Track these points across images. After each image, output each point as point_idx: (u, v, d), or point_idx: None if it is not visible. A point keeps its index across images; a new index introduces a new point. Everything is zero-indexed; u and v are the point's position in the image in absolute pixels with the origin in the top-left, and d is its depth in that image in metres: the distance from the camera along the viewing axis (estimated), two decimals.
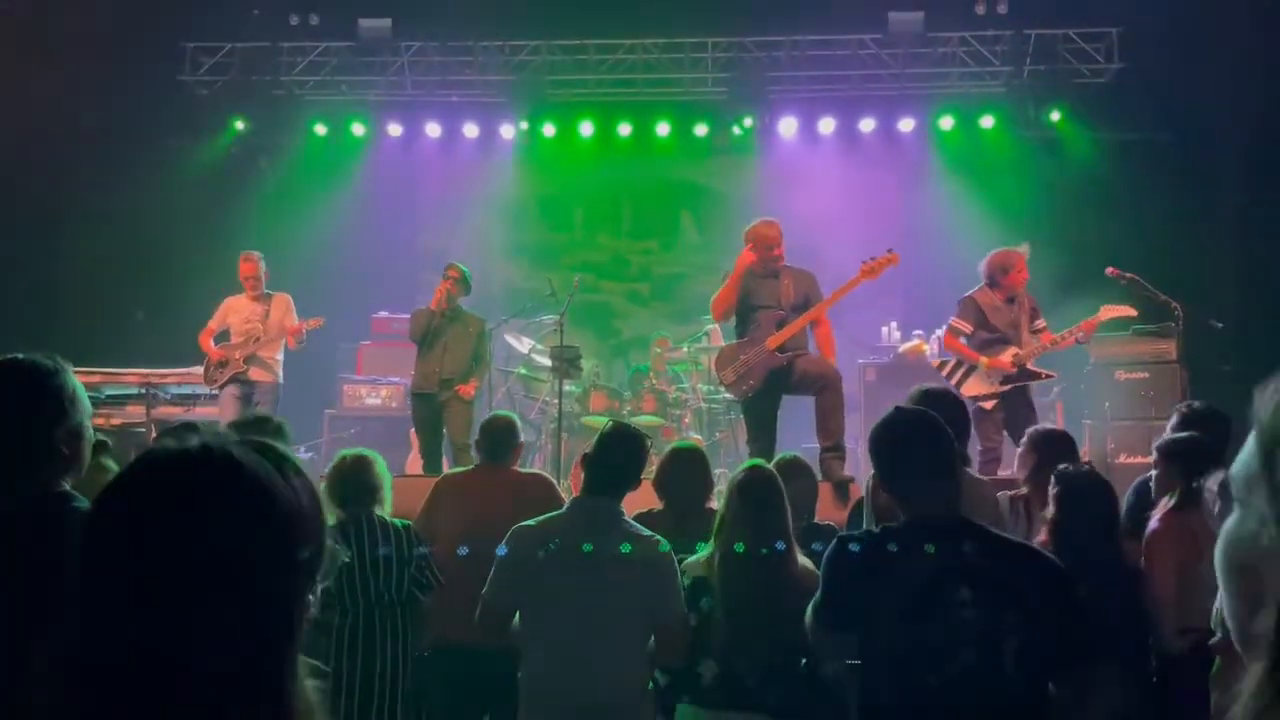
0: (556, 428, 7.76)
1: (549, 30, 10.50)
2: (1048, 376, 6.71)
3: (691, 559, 3.51)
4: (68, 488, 2.14)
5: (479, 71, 10.79)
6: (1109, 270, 7.02)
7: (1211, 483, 3.54)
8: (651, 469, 4.35)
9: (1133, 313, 6.91)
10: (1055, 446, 4.12)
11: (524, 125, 10.90)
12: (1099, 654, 2.83)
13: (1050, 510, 3.63)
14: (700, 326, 9.27)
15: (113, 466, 3.71)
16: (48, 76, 8.90)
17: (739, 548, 3.36)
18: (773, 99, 10.64)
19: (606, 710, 3.29)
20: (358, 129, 10.92)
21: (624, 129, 10.97)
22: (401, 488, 4.44)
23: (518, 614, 3.42)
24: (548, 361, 8.53)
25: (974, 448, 6.21)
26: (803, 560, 3.43)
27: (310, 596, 1.11)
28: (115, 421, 8.14)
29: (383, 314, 10.05)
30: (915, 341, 9.16)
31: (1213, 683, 2.90)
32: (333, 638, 3.83)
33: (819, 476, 4.81)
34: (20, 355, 2.15)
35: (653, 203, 11.69)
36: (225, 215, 10.28)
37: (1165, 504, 3.80)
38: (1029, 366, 6.52)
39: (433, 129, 10.96)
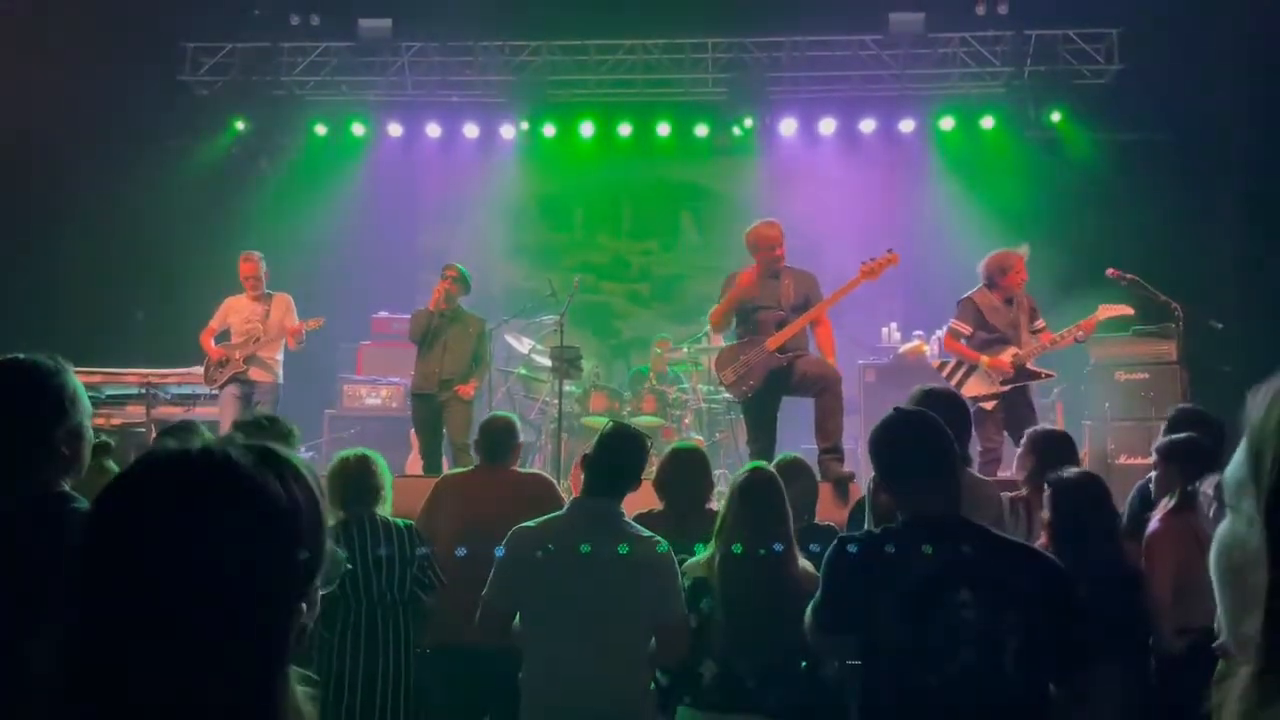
0: (556, 428, 7.76)
1: (549, 30, 10.50)
2: (1047, 376, 6.71)
3: (692, 560, 3.51)
4: (67, 488, 2.14)
5: (479, 72, 10.79)
6: (1109, 271, 7.02)
7: (1206, 486, 3.55)
8: (652, 470, 4.35)
9: (1130, 311, 6.91)
10: (1055, 447, 4.11)
11: (524, 125, 10.91)
12: (1099, 654, 2.83)
13: (1046, 513, 3.62)
14: (700, 327, 9.27)
15: (114, 468, 3.72)
16: (48, 76, 8.90)
17: (739, 549, 3.36)
18: (773, 99, 10.64)
19: (607, 712, 3.29)
20: (358, 129, 10.92)
21: (624, 129, 10.98)
22: (401, 488, 4.44)
23: (518, 615, 3.42)
24: (548, 362, 8.53)
25: (974, 448, 6.21)
26: (803, 561, 3.43)
27: (305, 604, 1.11)
28: (115, 421, 8.14)
29: (383, 314, 10.05)
30: (915, 342, 9.16)
31: (1215, 685, 2.90)
32: (335, 637, 3.84)
33: (819, 477, 4.81)
34: (21, 355, 2.15)
35: (653, 203, 11.69)
36: (225, 215, 10.28)
37: (1165, 505, 3.80)
38: (1029, 366, 6.52)
39: (433, 129, 10.97)
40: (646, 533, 3.42)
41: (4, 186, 9.27)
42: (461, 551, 3.87)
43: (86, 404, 2.20)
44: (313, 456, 8.68)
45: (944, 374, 6.74)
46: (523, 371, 9.21)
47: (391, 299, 10.26)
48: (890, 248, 6.37)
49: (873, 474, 3.10)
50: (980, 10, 9.85)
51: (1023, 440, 4.34)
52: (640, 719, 3.39)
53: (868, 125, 10.76)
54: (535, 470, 5.94)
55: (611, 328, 11.61)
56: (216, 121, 10.68)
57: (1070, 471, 3.73)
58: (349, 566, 3.76)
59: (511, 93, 10.70)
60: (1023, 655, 2.53)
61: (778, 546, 3.36)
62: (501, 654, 3.58)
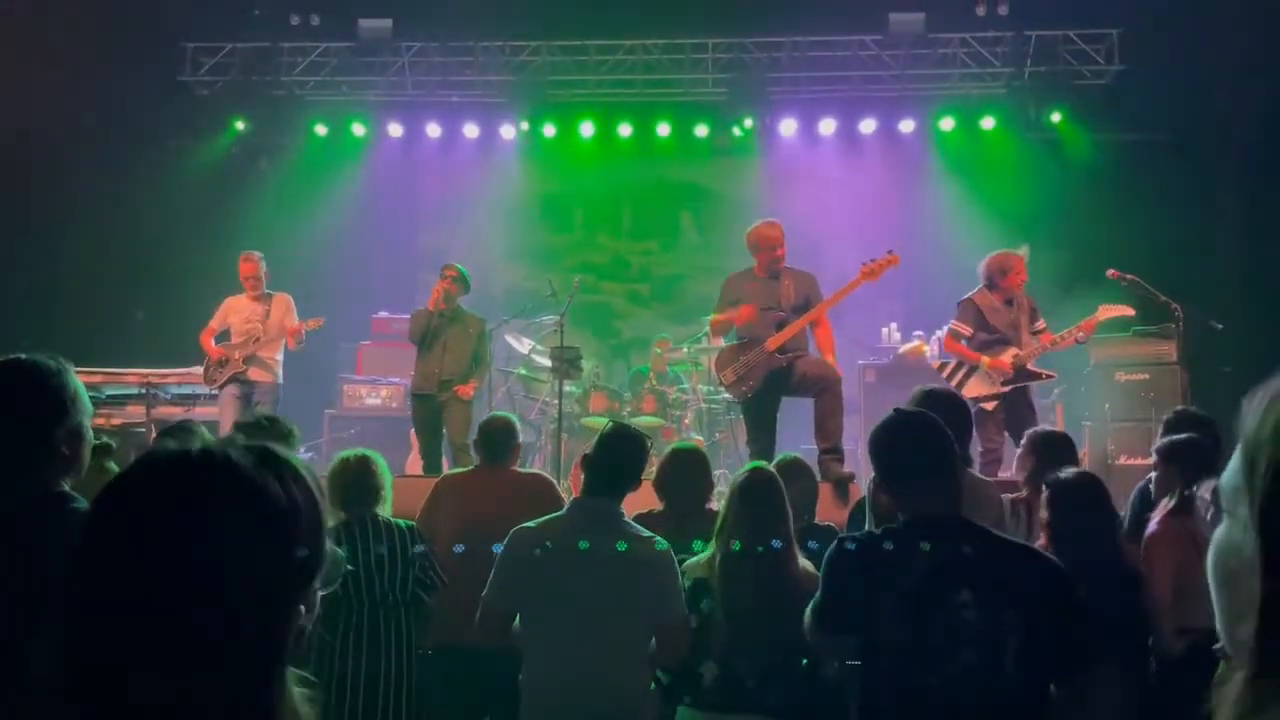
0: (556, 428, 7.76)
1: (549, 31, 10.50)
2: (1048, 377, 6.71)
3: (692, 560, 3.51)
4: (67, 488, 2.14)
5: (479, 72, 10.79)
6: (1110, 272, 7.02)
7: (1204, 491, 3.55)
8: (651, 470, 4.35)
9: (1131, 312, 6.91)
10: (1054, 448, 4.11)
11: (524, 126, 10.91)
12: (1099, 655, 2.83)
13: (1046, 513, 3.62)
14: (700, 327, 9.26)
15: (114, 469, 3.72)
16: (48, 76, 8.90)
17: (739, 548, 3.36)
18: (773, 100, 10.64)
19: (607, 711, 3.29)
20: (358, 129, 10.92)
21: (624, 130, 10.98)
22: (401, 488, 4.44)
23: (518, 616, 3.42)
24: (548, 362, 8.53)
25: (975, 448, 6.21)
26: (803, 561, 3.43)
27: (304, 605, 1.11)
28: (116, 421, 8.14)
29: (383, 314, 10.05)
30: (915, 343, 9.16)
31: (1215, 687, 2.89)
32: (337, 638, 3.84)
33: (818, 477, 4.81)
34: (23, 355, 2.15)
35: (653, 203, 11.69)
36: (225, 215, 10.28)
37: (1165, 506, 3.80)
38: (1029, 367, 6.52)
39: (433, 129, 10.96)
40: (646, 532, 3.42)
41: (4, 186, 9.27)
42: (460, 548, 3.87)
43: (87, 404, 2.20)
44: (312, 457, 8.68)
45: (944, 374, 6.74)
46: (523, 372, 9.21)
47: (391, 299, 10.27)
48: (891, 249, 6.38)
49: (873, 474, 3.10)
50: (980, 11, 9.85)
51: (1022, 441, 4.35)
52: (640, 718, 3.39)
53: (868, 126, 10.76)
54: (535, 470, 5.94)
55: (611, 328, 11.62)
56: (216, 121, 10.67)
57: (1069, 472, 3.73)
58: (349, 568, 3.76)
59: (512, 93, 10.70)
60: (1023, 656, 2.53)
61: (776, 543, 3.36)
62: (501, 654, 3.58)
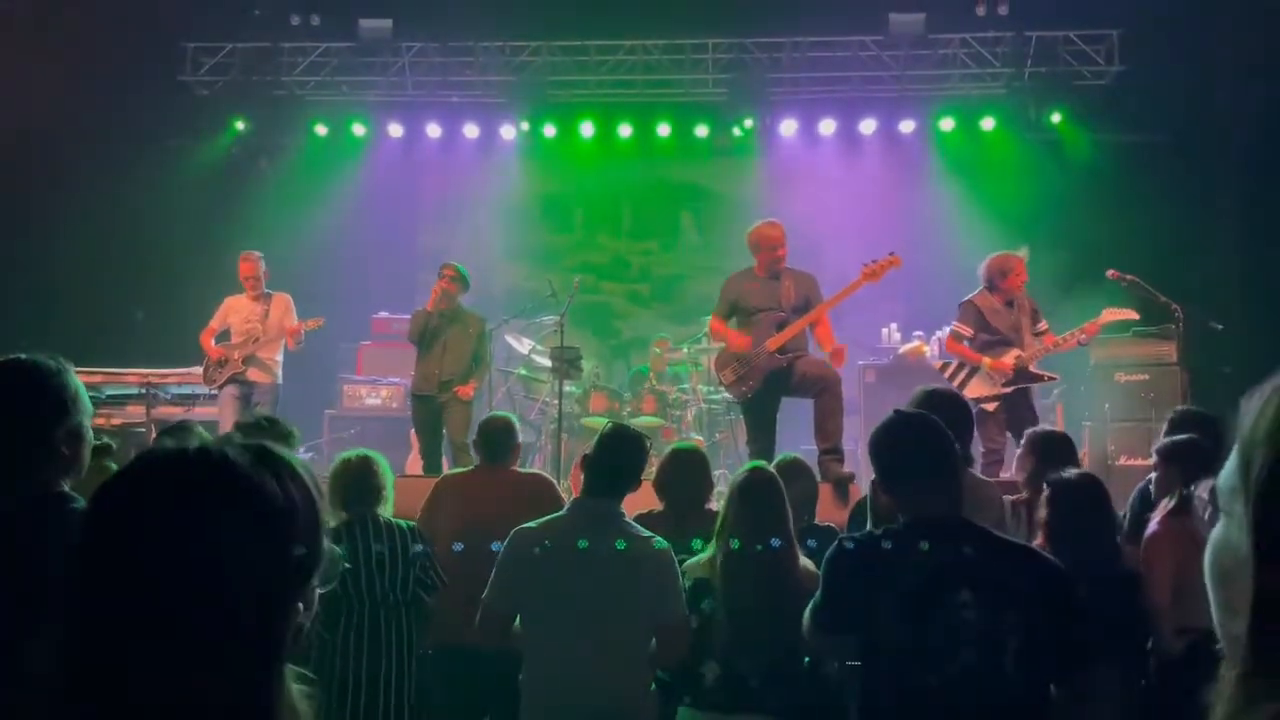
0: (556, 428, 7.76)
1: (550, 31, 10.50)
2: (1050, 378, 6.72)
3: (693, 560, 3.52)
4: (67, 488, 2.14)
5: (480, 72, 10.79)
6: (1110, 272, 7.02)
7: (1202, 490, 3.55)
8: (651, 470, 4.35)
9: (1134, 315, 6.92)
10: (1054, 448, 4.11)
11: (524, 126, 10.91)
12: (1098, 655, 2.83)
13: (1045, 513, 3.62)
14: (700, 328, 9.27)
15: (114, 469, 3.71)
16: (48, 76, 8.90)
17: (740, 547, 3.36)
18: (773, 100, 10.65)
19: (607, 712, 3.29)
20: (358, 129, 10.93)
21: (624, 130, 10.98)
22: (402, 488, 4.44)
23: (519, 617, 3.42)
24: (548, 362, 8.53)
25: (977, 449, 6.22)
26: (804, 561, 3.43)
27: (302, 603, 1.11)
28: (115, 421, 8.14)
29: (383, 314, 10.05)
30: (915, 343, 9.16)
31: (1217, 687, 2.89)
32: (338, 638, 3.84)
33: (818, 478, 4.81)
34: (23, 355, 2.15)
35: (653, 204, 11.69)
36: (225, 215, 10.28)
37: (1165, 506, 3.80)
38: (1031, 369, 6.53)
39: (433, 129, 10.96)
40: (646, 532, 3.42)
41: (4, 186, 9.27)
42: (458, 547, 3.88)
43: (87, 404, 2.20)
44: (312, 457, 8.68)
45: (946, 375, 6.75)
46: (523, 372, 9.21)
47: (391, 299, 10.27)
48: (892, 250, 6.37)
49: (873, 475, 3.10)
50: (980, 11, 9.85)
51: (1022, 441, 4.35)
52: (640, 718, 3.39)
53: (868, 126, 10.77)
54: (535, 470, 5.94)
55: (611, 328, 11.62)
56: (216, 121, 10.68)
57: (1069, 472, 3.73)
58: (347, 565, 3.76)
59: (512, 93, 10.70)
60: (1023, 656, 2.53)
61: (774, 542, 3.36)
62: (501, 654, 3.59)
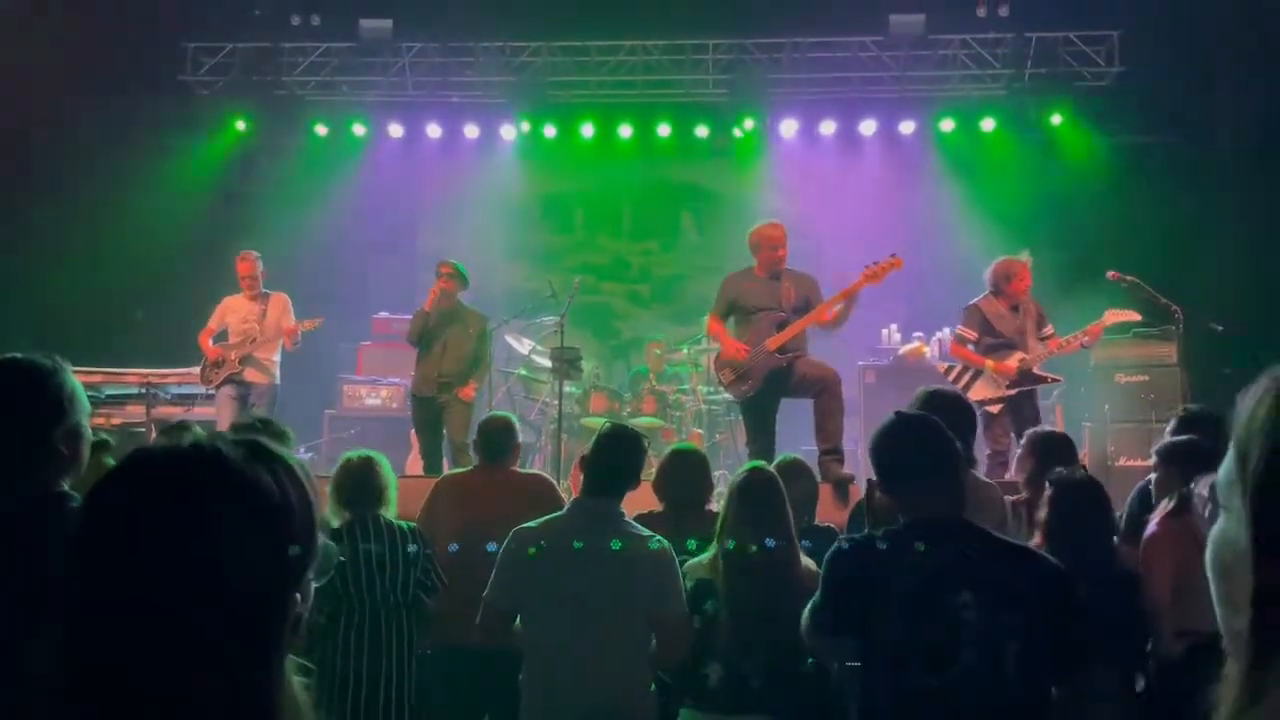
0: (556, 429, 7.76)
1: (550, 31, 10.50)
2: (1053, 380, 6.75)
3: (694, 561, 3.52)
4: (66, 488, 2.14)
5: (480, 72, 10.79)
6: (1110, 273, 7.03)
7: (1201, 487, 3.54)
8: (651, 470, 4.35)
9: (1137, 317, 6.94)
10: (1054, 449, 4.11)
11: (525, 126, 10.91)
12: (1098, 656, 2.83)
13: (1044, 513, 3.62)
14: (701, 329, 9.27)
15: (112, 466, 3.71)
16: (48, 76, 8.90)
17: (741, 548, 3.36)
18: (774, 101, 10.64)
19: (608, 712, 3.29)
20: (358, 129, 10.92)
21: (625, 130, 10.98)
22: (402, 488, 4.44)
23: (519, 616, 3.42)
24: (548, 362, 8.53)
25: (983, 451, 6.23)
26: (806, 561, 3.43)
27: (300, 595, 1.11)
28: (115, 421, 8.13)
29: (383, 314, 10.05)
30: (915, 344, 9.17)
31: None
32: (338, 639, 3.84)
33: (818, 478, 4.81)
34: (19, 355, 2.15)
35: (653, 204, 11.69)
36: (225, 215, 10.28)
37: (1164, 507, 3.80)
38: (1035, 371, 6.56)
39: (433, 130, 10.96)
40: (645, 531, 3.42)
41: (4, 186, 9.27)
42: (454, 548, 3.88)
43: (85, 403, 2.20)
44: (312, 457, 8.69)
45: (950, 378, 6.77)
46: (523, 372, 9.21)
47: (391, 299, 10.26)
48: (894, 251, 6.37)
49: (870, 477, 3.10)
50: (981, 12, 9.85)
51: (1022, 442, 4.35)
52: (640, 717, 3.39)
53: (868, 127, 10.76)
54: (535, 471, 5.94)
55: (611, 328, 11.61)
56: (216, 121, 10.68)
57: (1069, 473, 3.73)
58: (342, 559, 3.76)
59: (512, 93, 10.70)
60: (1023, 657, 2.53)
61: (770, 542, 3.36)
62: (501, 654, 3.59)
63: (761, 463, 3.94)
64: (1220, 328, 7.27)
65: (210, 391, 7.81)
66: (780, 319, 6.33)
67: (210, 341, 7.77)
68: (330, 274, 10.05)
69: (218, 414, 7.57)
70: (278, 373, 7.78)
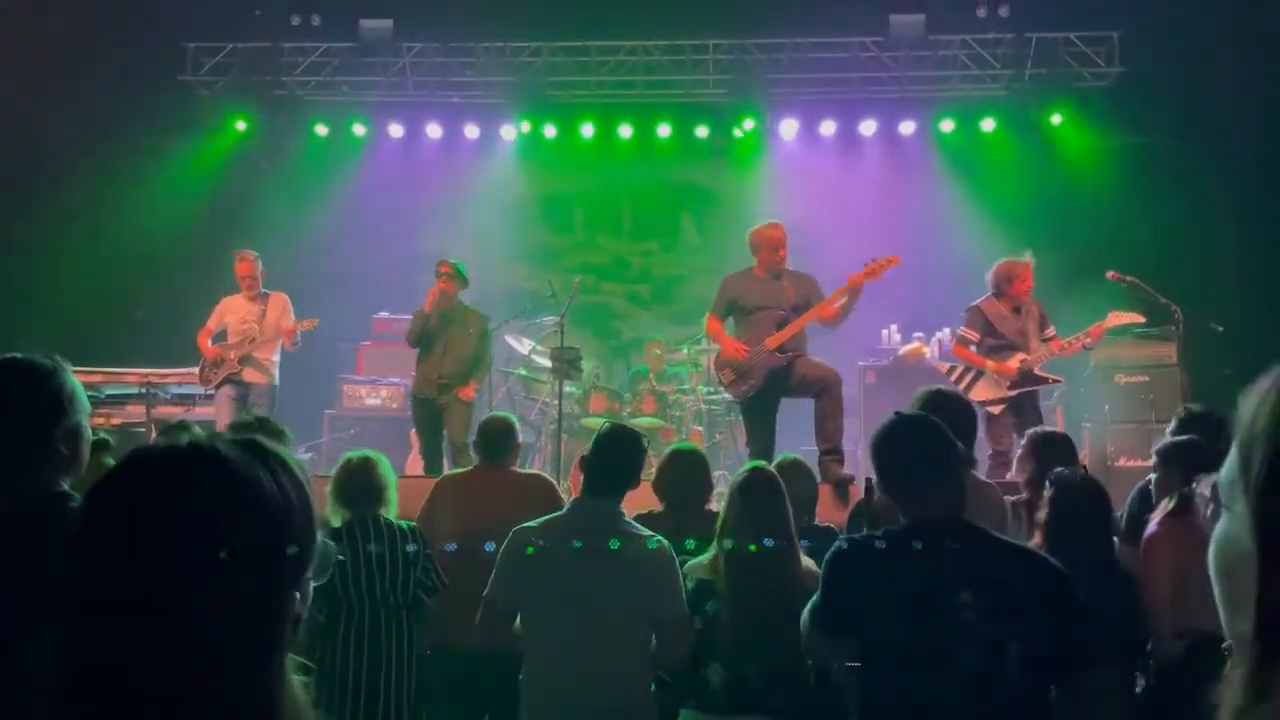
0: (556, 429, 7.75)
1: (550, 31, 10.50)
2: (1055, 381, 6.75)
3: (695, 561, 3.51)
4: (66, 487, 2.14)
5: (480, 73, 10.79)
6: (1110, 274, 7.03)
7: (1203, 487, 3.54)
8: (651, 470, 4.35)
9: (1141, 319, 6.94)
10: (1054, 450, 4.11)
11: (525, 126, 10.91)
12: (1098, 657, 2.83)
13: (1044, 513, 3.62)
14: (700, 329, 9.26)
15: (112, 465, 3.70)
16: (48, 76, 8.90)
17: (741, 548, 3.36)
18: (774, 101, 10.64)
19: (607, 712, 3.29)
20: (359, 129, 10.93)
21: (625, 130, 10.98)
22: (402, 489, 4.44)
23: (520, 616, 3.42)
24: (548, 363, 8.53)
25: (984, 452, 6.24)
26: (807, 562, 3.43)
27: (299, 594, 1.11)
28: (115, 421, 8.13)
29: (383, 314, 10.05)
30: (915, 344, 9.17)
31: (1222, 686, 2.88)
32: (339, 639, 3.84)
33: (818, 479, 4.81)
34: (19, 355, 2.15)
35: (653, 204, 11.69)
36: (225, 215, 10.28)
37: (1164, 507, 3.80)
38: (1036, 372, 6.56)
39: (434, 130, 10.97)
40: (645, 531, 3.42)
41: (4, 186, 9.27)
42: (451, 547, 3.88)
43: (85, 403, 2.20)
44: (312, 457, 8.69)
45: (952, 379, 6.78)
46: (523, 372, 9.21)
47: (391, 299, 10.25)
48: (893, 251, 6.38)
49: (866, 478, 3.10)
50: (981, 12, 9.85)
51: (1023, 442, 4.35)
52: (640, 717, 3.39)
53: (868, 127, 10.76)
54: (535, 471, 5.94)
55: (611, 329, 11.61)
56: (216, 121, 10.69)
57: (1068, 473, 3.73)
58: (341, 558, 3.76)
59: (512, 94, 10.70)
60: (1023, 657, 2.53)
61: (768, 541, 3.36)
62: (501, 655, 3.58)
63: (762, 463, 3.94)
64: (1220, 328, 7.27)
65: (209, 391, 7.80)
66: (780, 318, 6.33)
67: (209, 342, 7.75)
68: (330, 274, 10.05)
69: (216, 414, 7.55)
70: (277, 373, 7.76)
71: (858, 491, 5.75)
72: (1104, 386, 7.72)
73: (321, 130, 10.86)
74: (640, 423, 8.21)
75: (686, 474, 4.12)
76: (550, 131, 10.92)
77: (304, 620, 1.12)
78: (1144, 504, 4.10)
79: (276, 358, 7.77)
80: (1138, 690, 3.69)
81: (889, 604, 2.59)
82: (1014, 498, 4.21)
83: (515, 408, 8.76)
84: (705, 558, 3.49)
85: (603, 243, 11.74)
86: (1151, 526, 3.77)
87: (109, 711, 1.00)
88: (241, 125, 10.67)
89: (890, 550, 2.65)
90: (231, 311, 7.81)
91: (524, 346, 9.18)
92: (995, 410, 6.52)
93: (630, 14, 10.23)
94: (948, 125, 10.60)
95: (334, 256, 10.39)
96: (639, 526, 3.47)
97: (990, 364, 6.58)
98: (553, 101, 10.76)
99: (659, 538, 3.38)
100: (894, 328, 9.73)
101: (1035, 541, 3.55)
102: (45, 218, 9.73)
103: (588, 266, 10.94)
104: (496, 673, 3.75)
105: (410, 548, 3.94)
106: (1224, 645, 0.97)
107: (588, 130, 10.94)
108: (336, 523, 3.98)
